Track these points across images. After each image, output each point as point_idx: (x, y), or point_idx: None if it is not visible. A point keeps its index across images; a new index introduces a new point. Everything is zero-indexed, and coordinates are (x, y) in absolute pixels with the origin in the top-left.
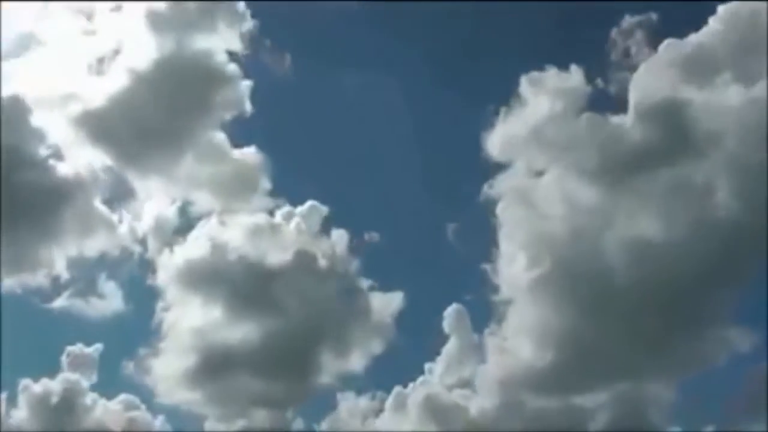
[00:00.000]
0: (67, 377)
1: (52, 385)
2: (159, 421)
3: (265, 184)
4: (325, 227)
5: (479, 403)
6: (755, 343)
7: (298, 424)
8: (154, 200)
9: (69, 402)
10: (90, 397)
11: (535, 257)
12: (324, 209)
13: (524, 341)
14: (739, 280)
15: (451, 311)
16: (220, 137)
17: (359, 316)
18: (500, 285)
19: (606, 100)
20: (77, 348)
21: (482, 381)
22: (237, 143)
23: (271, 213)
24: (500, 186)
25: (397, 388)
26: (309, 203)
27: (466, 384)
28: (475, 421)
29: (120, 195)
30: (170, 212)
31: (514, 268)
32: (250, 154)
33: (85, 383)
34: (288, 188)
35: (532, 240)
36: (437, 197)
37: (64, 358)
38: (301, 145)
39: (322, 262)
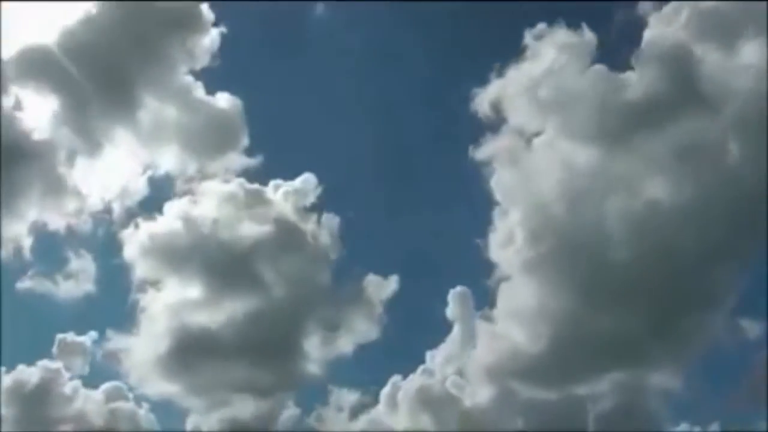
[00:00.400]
0: (47, 365)
1: (29, 374)
2: (143, 410)
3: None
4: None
5: (477, 393)
6: (760, 331)
7: (288, 413)
8: (120, 157)
9: (48, 392)
10: (70, 386)
11: (532, 226)
12: (314, 182)
13: (518, 324)
14: (746, 255)
15: (454, 295)
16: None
17: (352, 299)
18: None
19: (614, 55)
20: (69, 336)
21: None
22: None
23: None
24: (491, 148)
25: (395, 378)
26: (301, 178)
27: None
28: (473, 413)
29: (83, 151)
30: (140, 181)
31: (509, 242)
32: (224, 99)
33: (66, 373)
34: (267, 141)
35: (528, 208)
36: (425, 163)
37: (54, 348)
38: (277, 93)
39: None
